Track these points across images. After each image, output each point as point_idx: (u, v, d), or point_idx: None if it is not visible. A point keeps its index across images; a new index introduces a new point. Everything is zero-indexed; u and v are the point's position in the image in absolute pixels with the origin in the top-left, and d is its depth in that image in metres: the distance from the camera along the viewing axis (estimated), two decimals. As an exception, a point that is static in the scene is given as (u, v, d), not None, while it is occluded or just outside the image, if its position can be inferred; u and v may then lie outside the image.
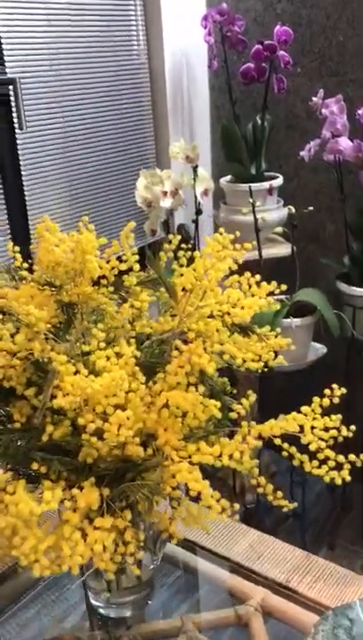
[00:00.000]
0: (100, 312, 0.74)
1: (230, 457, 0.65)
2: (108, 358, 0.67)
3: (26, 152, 1.68)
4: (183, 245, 0.87)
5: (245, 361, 0.65)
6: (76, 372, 0.64)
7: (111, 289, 0.70)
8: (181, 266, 0.79)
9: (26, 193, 1.67)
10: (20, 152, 1.65)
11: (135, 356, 0.68)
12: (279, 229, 1.73)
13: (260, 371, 0.67)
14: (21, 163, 1.67)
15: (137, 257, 0.75)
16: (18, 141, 1.63)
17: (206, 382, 0.68)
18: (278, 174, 1.94)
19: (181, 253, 0.84)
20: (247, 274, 0.70)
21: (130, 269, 0.74)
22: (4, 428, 0.70)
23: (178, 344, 0.67)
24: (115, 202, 1.88)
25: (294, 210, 1.67)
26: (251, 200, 1.63)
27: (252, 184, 1.77)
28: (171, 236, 0.77)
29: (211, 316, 0.72)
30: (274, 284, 0.70)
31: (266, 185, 1.83)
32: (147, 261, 0.76)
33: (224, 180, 1.92)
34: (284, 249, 1.82)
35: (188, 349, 0.66)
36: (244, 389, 0.77)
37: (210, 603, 0.92)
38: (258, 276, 0.69)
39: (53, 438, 0.65)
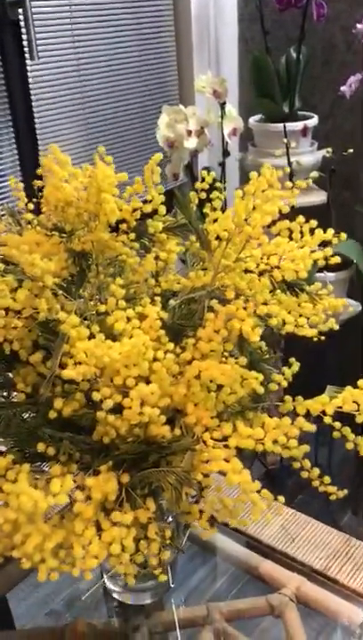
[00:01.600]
0: (118, 264, 0.62)
1: (275, 441, 0.54)
2: (128, 320, 0.55)
3: (37, 85, 1.53)
4: (218, 184, 0.74)
5: (297, 326, 0.54)
6: (91, 337, 0.53)
7: (132, 236, 0.58)
8: (215, 210, 0.67)
9: (37, 132, 1.53)
10: (30, 85, 1.50)
11: (161, 317, 0.56)
12: (315, 174, 1.58)
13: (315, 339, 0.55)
14: (33, 98, 1.52)
15: (163, 198, 0.62)
16: (28, 73, 1.48)
17: (246, 351, 0.57)
18: (312, 113, 1.77)
19: (214, 194, 0.71)
20: (300, 218, 0.57)
21: (155, 212, 0.62)
22: (6, 400, 0.59)
23: (214, 304, 0.55)
24: (134, 142, 1.73)
25: (331, 152, 1.51)
26: (285, 141, 1.47)
27: (285, 123, 1.60)
28: (204, 173, 0.64)
29: (249, 271, 0.60)
30: (331, 231, 0.58)
31: (300, 125, 1.67)
32: (174, 203, 0.63)
33: (254, 120, 1.75)
34: (318, 196, 1.67)
35: (226, 311, 0.54)
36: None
37: (239, 590, 0.83)
38: (314, 222, 0.57)
39: (63, 415, 0.55)
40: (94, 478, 0.54)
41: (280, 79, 1.72)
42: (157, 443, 0.54)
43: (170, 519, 0.68)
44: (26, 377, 0.60)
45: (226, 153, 1.56)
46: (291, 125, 1.63)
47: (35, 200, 0.61)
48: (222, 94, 1.52)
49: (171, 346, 0.55)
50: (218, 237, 0.64)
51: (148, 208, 0.58)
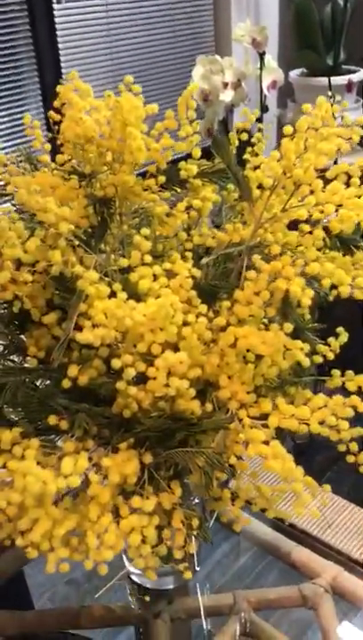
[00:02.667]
0: (145, 214, 0.54)
1: (322, 422, 0.46)
2: (154, 278, 0.48)
3: (64, 32, 1.44)
4: (260, 125, 0.65)
5: (357, 288, 0.45)
6: (112, 296, 0.46)
7: (162, 179, 0.50)
8: (257, 155, 0.58)
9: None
10: (57, 32, 1.41)
11: (193, 275, 0.48)
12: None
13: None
14: (59, 46, 1.43)
15: (199, 137, 0.54)
16: (55, 18, 1.38)
17: (291, 317, 0.49)
18: (358, 67, 1.64)
19: (257, 136, 0.63)
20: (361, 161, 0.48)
21: (188, 156, 0.54)
22: (15, 365, 0.52)
23: (257, 261, 0.47)
24: (165, 94, 1.63)
25: (379, 108, 1.40)
26: (329, 94, 1.36)
27: (329, 77, 1.49)
28: (246, 110, 0.56)
29: (297, 223, 0.51)
30: (396, 178, 0.49)
31: (345, 79, 1.54)
32: (212, 146, 0.55)
33: (294, 74, 1.63)
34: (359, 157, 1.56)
35: (270, 269, 0.46)
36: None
37: (269, 578, 0.76)
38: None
39: (79, 384, 0.48)
40: (113, 457, 0.47)
41: (324, 29, 1.59)
42: (184, 419, 0.47)
43: (196, 500, 0.62)
44: (39, 340, 0.53)
45: (264, 108, 1.45)
46: (335, 80, 1.52)
47: (53, 139, 0.53)
48: (262, 43, 1.41)
49: (203, 308, 0.47)
50: (260, 187, 0.56)
51: (181, 147, 0.50)
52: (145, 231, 0.47)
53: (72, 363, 0.48)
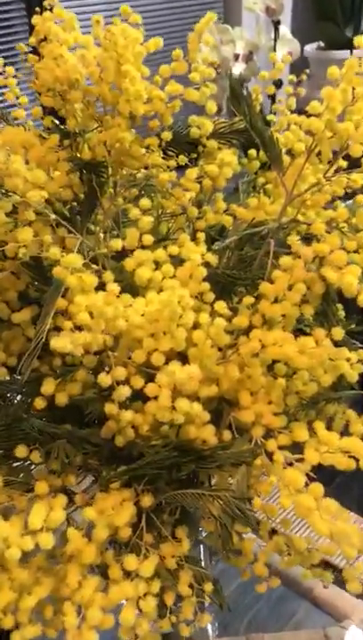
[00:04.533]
0: (145, 183, 0.43)
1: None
2: (157, 265, 0.37)
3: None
4: (290, 77, 0.55)
5: None
6: (101, 288, 0.34)
7: (167, 136, 0.39)
8: (293, 112, 0.47)
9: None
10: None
11: (206, 263, 0.37)
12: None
13: None
14: None
15: (214, 88, 0.43)
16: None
17: (332, 318, 0.38)
18: (379, 41, 1.51)
19: (287, 90, 0.52)
20: None
21: (200, 111, 0.42)
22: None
23: (294, 243, 0.35)
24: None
25: None
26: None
27: (349, 51, 1.36)
28: (273, 56, 0.44)
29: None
30: None
31: (366, 52, 1.41)
32: (229, 100, 0.44)
33: (311, 47, 1.51)
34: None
35: (312, 253, 0.34)
36: None
37: (290, 619, 0.65)
38: None
39: (57, 402, 0.37)
40: (101, 497, 0.36)
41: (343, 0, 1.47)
42: (194, 450, 0.36)
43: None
44: (9, 344, 0.42)
45: (278, 83, 1.33)
46: (356, 53, 1.39)
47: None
48: (277, 11, 1.29)
49: (221, 307, 0.36)
50: (289, 153, 0.45)
51: (192, 94, 0.38)
52: (145, 203, 0.36)
53: (48, 375, 0.37)
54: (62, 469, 0.37)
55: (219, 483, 0.38)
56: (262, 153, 0.47)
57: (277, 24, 1.32)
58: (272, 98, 1.44)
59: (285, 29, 1.35)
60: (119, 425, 0.36)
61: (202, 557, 0.50)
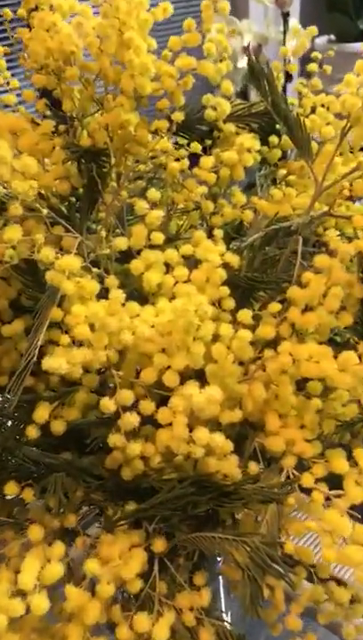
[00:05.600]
0: (153, 174, 0.37)
1: None
2: (167, 268, 0.31)
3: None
4: (315, 54, 0.50)
5: None
6: (102, 296, 0.29)
7: (179, 117, 0.33)
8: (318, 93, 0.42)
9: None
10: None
11: (227, 263, 0.32)
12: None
13: None
14: None
15: (230, 65, 0.37)
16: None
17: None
18: (391, 34, 1.46)
19: (311, 67, 0.47)
20: None
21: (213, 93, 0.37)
22: None
23: (332, 240, 0.30)
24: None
25: None
26: None
27: (361, 43, 1.31)
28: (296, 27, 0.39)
29: None
30: None
31: (379, 45, 1.36)
32: (248, 77, 0.38)
33: (321, 40, 1.45)
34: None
35: (354, 250, 0.29)
36: None
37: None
38: None
39: (52, 430, 0.31)
40: (107, 541, 0.30)
41: (354, -10, 1.42)
42: (215, 485, 0.30)
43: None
44: (0, 360, 0.36)
45: (288, 77, 1.28)
46: (368, 45, 1.34)
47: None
48: (287, 2, 1.23)
49: (246, 316, 0.30)
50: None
51: (208, 69, 0.33)
52: (154, 194, 0.30)
53: (43, 398, 0.31)
54: (60, 507, 0.32)
55: (244, 522, 0.32)
56: (283, 140, 0.42)
57: (286, 16, 1.27)
58: (283, 90, 1.38)
59: (294, 21, 1.30)
60: (126, 456, 0.31)
61: (221, 593, 0.44)
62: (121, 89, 0.32)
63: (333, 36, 1.47)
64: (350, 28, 1.40)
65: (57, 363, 0.26)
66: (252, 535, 0.30)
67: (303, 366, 0.30)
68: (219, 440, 0.27)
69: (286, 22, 1.29)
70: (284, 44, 1.31)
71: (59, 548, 0.29)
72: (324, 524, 0.28)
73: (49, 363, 0.26)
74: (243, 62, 1.26)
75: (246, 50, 1.24)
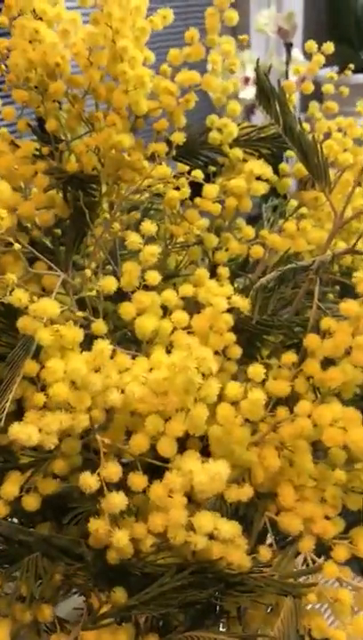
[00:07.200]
0: (148, 204, 0.33)
1: None
2: (164, 312, 0.27)
3: None
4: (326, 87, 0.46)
5: None
6: (86, 347, 0.24)
7: (180, 138, 0.29)
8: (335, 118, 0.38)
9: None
10: None
11: (235, 308, 0.27)
12: None
13: None
14: None
15: (238, 83, 0.33)
16: None
17: None
18: (395, 66, 1.44)
19: (326, 88, 0.44)
20: None
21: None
22: None
23: (360, 281, 0.25)
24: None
25: None
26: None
27: (364, 74, 1.29)
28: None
29: None
30: None
31: (382, 77, 1.34)
32: (257, 97, 0.34)
33: (325, 72, 1.43)
34: None
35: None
36: None
37: None
38: None
39: (25, 507, 0.26)
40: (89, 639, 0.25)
41: (359, 21, 1.41)
42: (219, 575, 0.25)
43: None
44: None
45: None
46: (370, 77, 1.32)
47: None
48: (290, 33, 1.22)
49: (258, 372, 0.25)
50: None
51: (212, 84, 0.29)
52: (148, 227, 0.26)
53: (13, 467, 0.26)
54: (34, 597, 0.27)
55: (253, 616, 0.27)
56: (295, 168, 0.38)
57: (289, 46, 1.25)
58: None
59: (297, 52, 1.28)
60: (110, 537, 0.26)
61: None
62: (113, 106, 0.28)
63: (336, 68, 1.44)
64: (352, 60, 1.38)
65: (26, 431, 0.21)
66: (263, 637, 0.24)
67: (327, 433, 0.25)
68: (225, 529, 0.22)
69: (288, 53, 1.27)
70: (286, 76, 1.29)
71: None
72: (353, 631, 0.22)
73: (18, 431, 0.21)
74: (245, 92, 1.23)
75: (245, 80, 1.22)
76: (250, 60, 1.25)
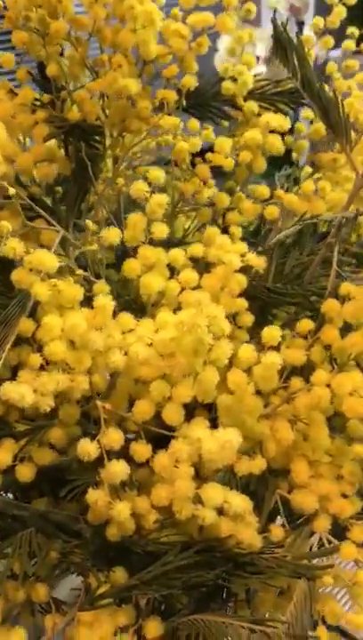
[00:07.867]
0: (157, 157, 0.31)
1: None
2: (172, 272, 0.25)
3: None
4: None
5: None
6: (86, 303, 0.22)
7: (190, 82, 0.27)
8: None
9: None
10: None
11: (250, 267, 0.25)
12: None
13: None
14: None
15: (253, 32, 0.31)
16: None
17: None
18: None
19: (346, 44, 0.41)
20: None
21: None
22: None
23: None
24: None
25: None
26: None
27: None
28: None
29: None
30: None
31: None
32: (274, 51, 0.32)
33: (335, 52, 1.39)
34: None
35: None
36: None
37: None
38: None
39: (19, 478, 0.24)
40: (86, 622, 0.23)
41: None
42: (228, 554, 0.23)
43: None
44: None
45: (302, 87, 1.23)
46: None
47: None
48: (301, 10, 1.19)
49: (274, 336, 0.23)
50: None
51: (227, 25, 0.27)
52: (156, 175, 0.24)
53: (8, 434, 0.24)
54: (27, 576, 0.25)
55: (263, 598, 0.25)
56: (313, 128, 0.36)
57: (301, 24, 1.22)
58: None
59: (309, 31, 1.25)
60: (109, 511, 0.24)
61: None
62: (120, 48, 0.26)
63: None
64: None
65: (19, 391, 0.19)
66: (274, 621, 0.22)
67: (347, 402, 0.23)
68: (236, 503, 0.20)
69: (300, 31, 1.24)
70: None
71: (18, 636, 0.21)
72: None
73: (10, 390, 0.19)
74: (257, 70, 1.20)
75: (257, 59, 1.19)
76: (262, 37, 1.22)
